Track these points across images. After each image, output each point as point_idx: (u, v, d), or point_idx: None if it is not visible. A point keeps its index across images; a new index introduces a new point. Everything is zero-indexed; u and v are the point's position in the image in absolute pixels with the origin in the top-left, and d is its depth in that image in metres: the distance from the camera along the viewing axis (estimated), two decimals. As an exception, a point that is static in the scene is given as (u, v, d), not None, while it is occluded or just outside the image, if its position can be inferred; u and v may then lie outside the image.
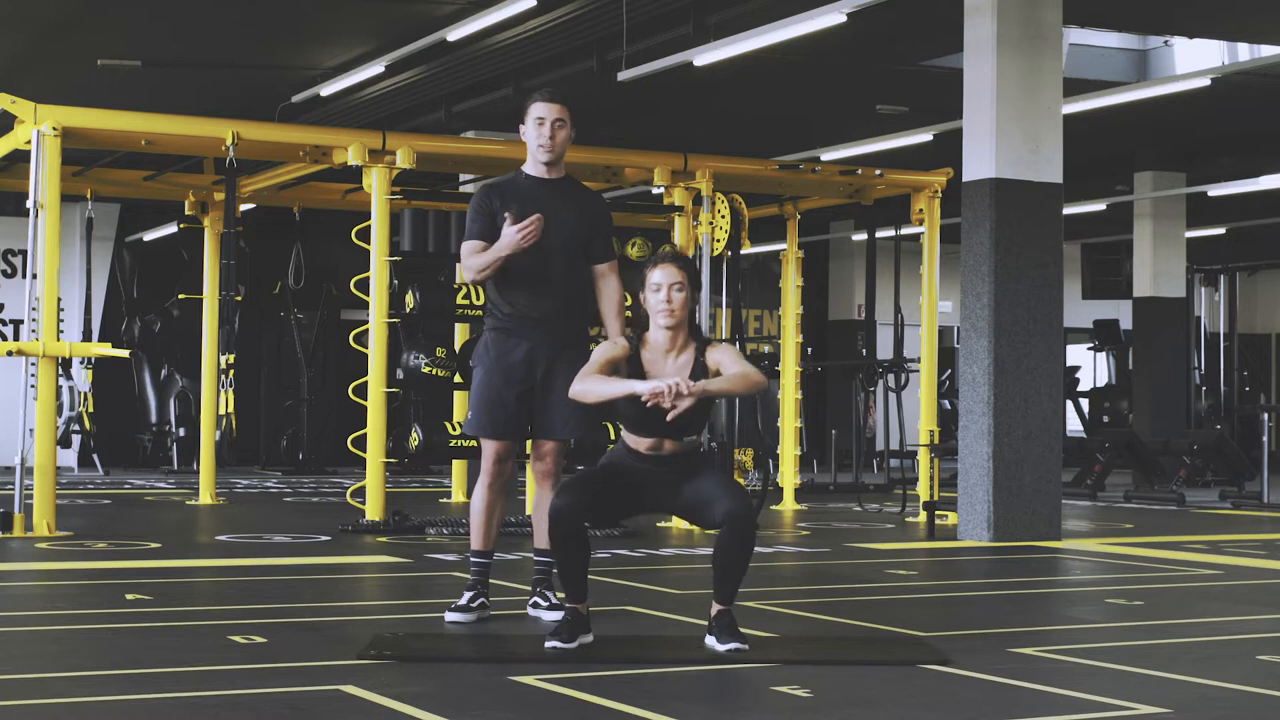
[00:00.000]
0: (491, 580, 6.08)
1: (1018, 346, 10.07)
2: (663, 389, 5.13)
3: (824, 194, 13.32)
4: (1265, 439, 14.85)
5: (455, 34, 11.92)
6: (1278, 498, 14.51)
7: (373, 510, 10.19)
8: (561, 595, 5.86)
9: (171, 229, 17.11)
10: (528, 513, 10.29)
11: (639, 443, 5.39)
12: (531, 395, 5.92)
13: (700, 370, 5.34)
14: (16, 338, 17.71)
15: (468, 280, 6.22)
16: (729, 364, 5.36)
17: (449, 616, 5.87)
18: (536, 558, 6.06)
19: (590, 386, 5.34)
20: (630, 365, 5.38)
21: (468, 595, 5.93)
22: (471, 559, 6.01)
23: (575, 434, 6.02)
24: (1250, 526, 11.94)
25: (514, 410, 5.93)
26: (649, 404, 5.16)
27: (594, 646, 5.35)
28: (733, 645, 5.17)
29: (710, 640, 5.25)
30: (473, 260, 5.97)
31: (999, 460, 9.97)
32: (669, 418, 5.20)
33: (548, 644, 5.23)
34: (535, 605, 6.02)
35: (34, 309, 9.62)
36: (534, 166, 6.09)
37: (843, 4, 9.95)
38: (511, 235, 5.83)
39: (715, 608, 5.29)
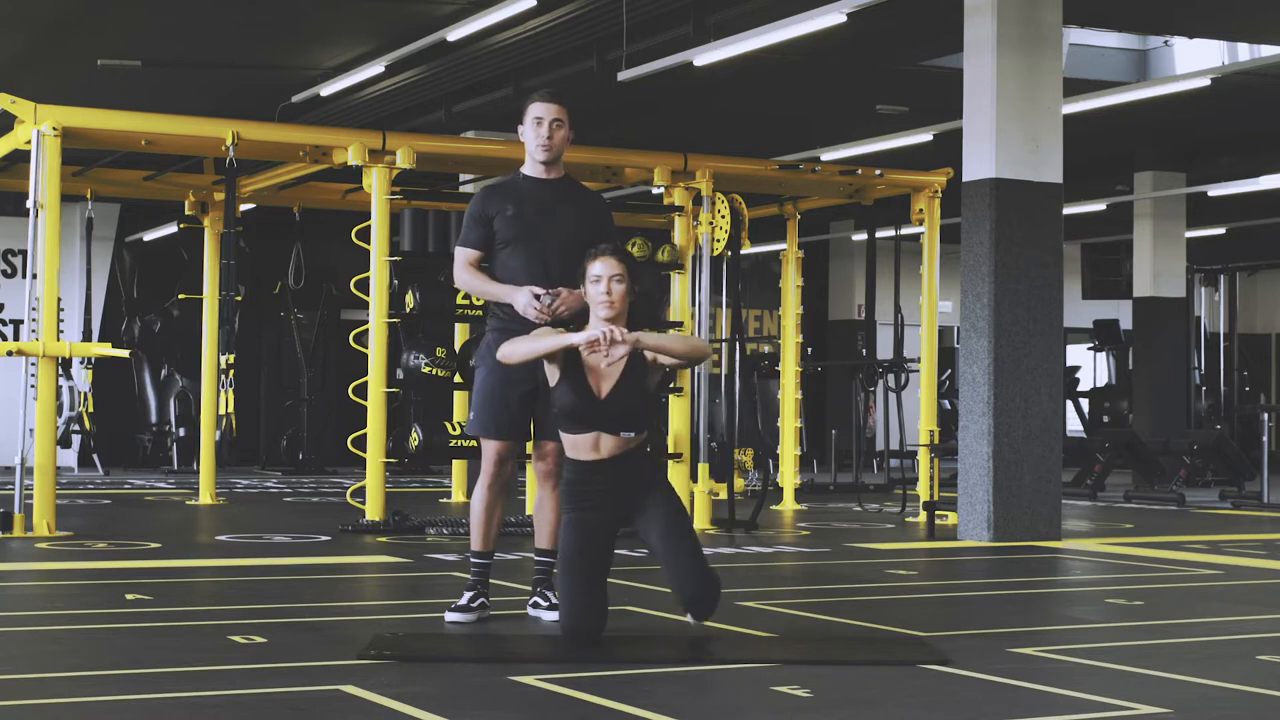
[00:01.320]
0: (491, 580, 6.08)
1: (1018, 346, 10.07)
2: (597, 335, 5.24)
3: (824, 194, 13.31)
4: (1265, 439, 14.85)
5: (455, 34, 11.92)
6: (1278, 498, 14.50)
7: (373, 510, 10.19)
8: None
9: (171, 229, 17.12)
10: (528, 513, 10.29)
11: (577, 446, 5.42)
12: (534, 396, 5.91)
13: (639, 362, 5.42)
14: (16, 338, 17.71)
15: (457, 286, 6.24)
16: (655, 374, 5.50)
17: (449, 616, 5.87)
18: (537, 558, 6.07)
19: (518, 346, 5.44)
20: (568, 356, 5.44)
21: (468, 595, 5.93)
22: (471, 559, 6.01)
23: None
24: (1250, 526, 11.94)
25: (516, 411, 5.93)
26: (587, 354, 5.29)
27: (594, 646, 5.36)
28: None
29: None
30: (469, 279, 6.03)
31: (999, 460, 9.97)
32: (605, 363, 5.32)
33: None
34: (535, 605, 6.02)
35: (34, 309, 9.62)
36: (532, 167, 6.09)
37: (843, 4, 9.95)
38: (525, 301, 5.81)
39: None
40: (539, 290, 5.83)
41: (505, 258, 5.98)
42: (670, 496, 5.48)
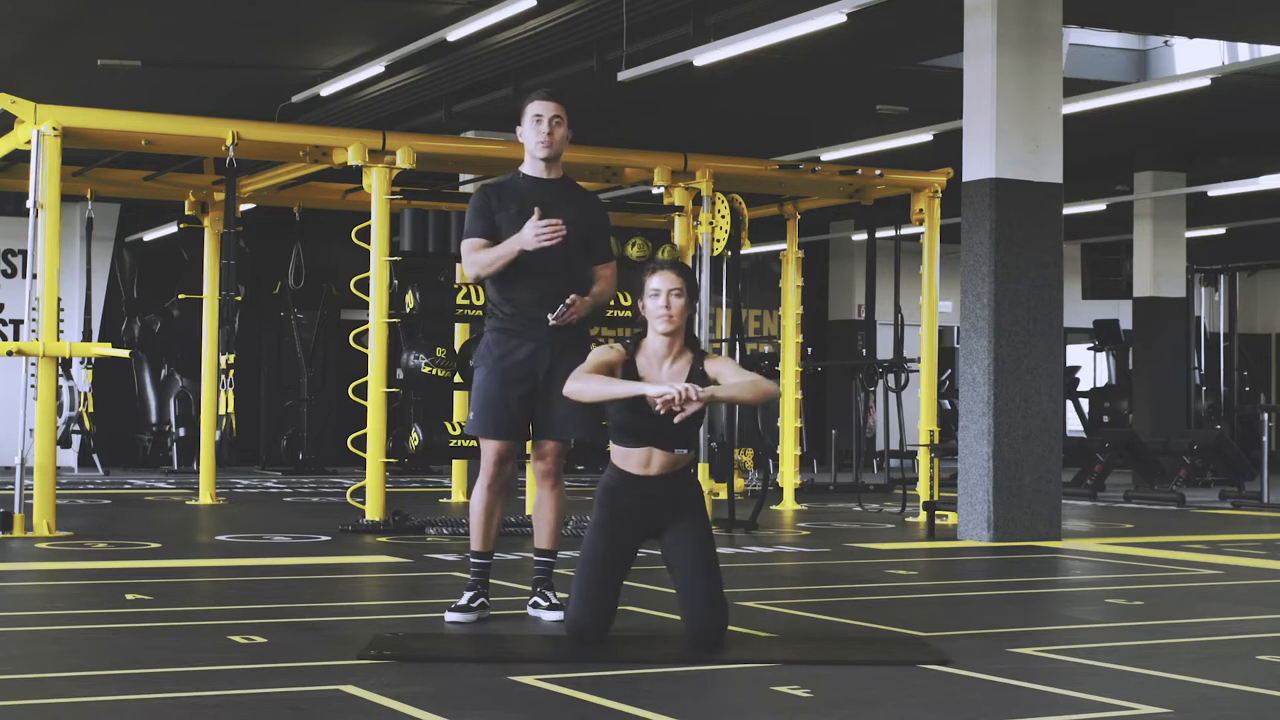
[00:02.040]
0: (491, 580, 6.08)
1: (1018, 346, 10.07)
2: (673, 394, 5.10)
3: (824, 194, 13.32)
4: (1265, 439, 14.85)
5: (455, 34, 11.92)
6: (1278, 498, 14.50)
7: (373, 510, 10.19)
8: (563, 595, 5.86)
9: (171, 229, 17.12)
10: (528, 513, 10.29)
11: (628, 458, 5.38)
12: (533, 396, 5.91)
13: (697, 379, 5.36)
14: (16, 338, 17.71)
15: (470, 277, 6.17)
16: (730, 374, 5.37)
17: (449, 616, 5.87)
18: (536, 558, 6.06)
19: (589, 385, 5.32)
20: (625, 370, 5.41)
21: (468, 595, 5.92)
22: (471, 559, 6.01)
23: (577, 434, 6.01)
24: (1250, 526, 11.94)
25: (516, 411, 5.93)
26: (660, 410, 5.14)
27: (596, 645, 5.36)
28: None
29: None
30: (478, 256, 5.95)
31: (999, 460, 9.97)
32: (676, 420, 5.18)
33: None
34: (535, 605, 6.01)
35: (34, 309, 9.62)
36: (532, 166, 6.08)
37: (843, 4, 9.95)
38: (532, 231, 5.81)
39: None
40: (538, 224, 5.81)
41: None
42: (703, 523, 5.42)
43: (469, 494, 9.50)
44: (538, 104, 6.01)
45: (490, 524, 5.97)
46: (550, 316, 5.85)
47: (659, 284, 5.40)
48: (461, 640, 5.55)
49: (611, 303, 11.07)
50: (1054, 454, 10.22)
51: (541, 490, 6.05)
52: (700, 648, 5.25)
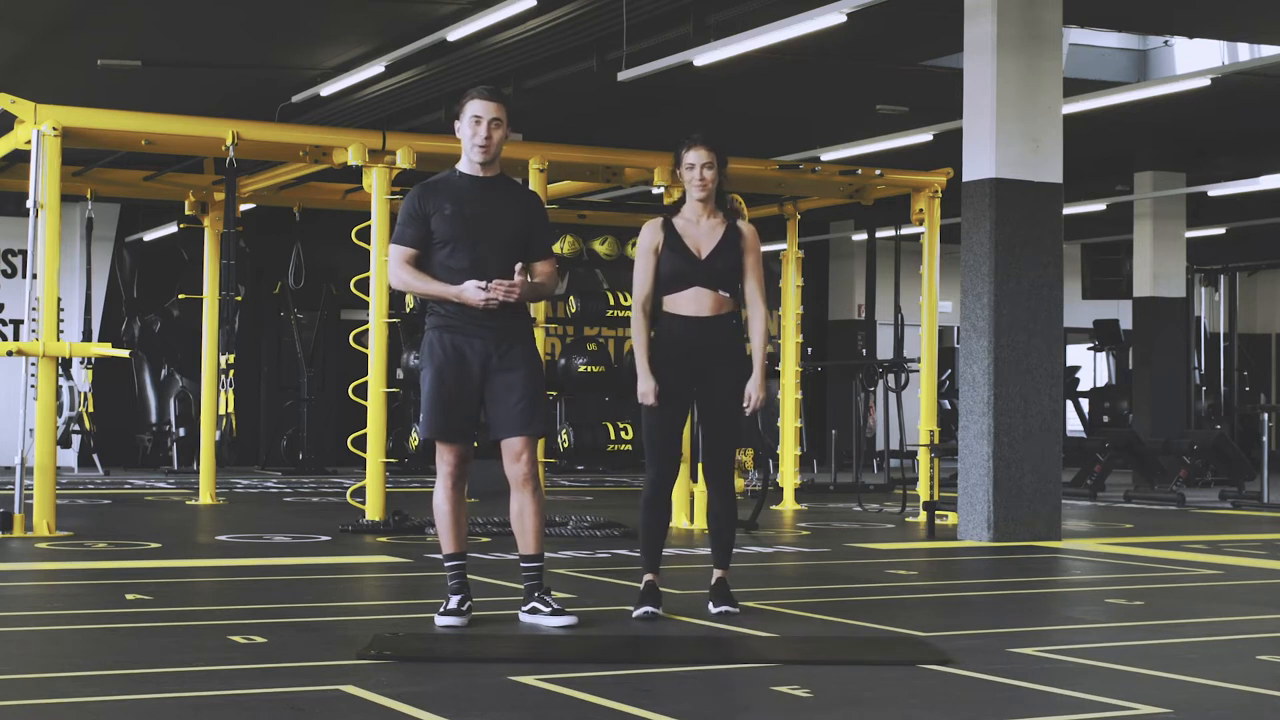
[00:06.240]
0: (494, 581, 6.07)
1: (1018, 346, 10.07)
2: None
3: (824, 194, 13.32)
4: (1265, 439, 14.85)
5: (455, 34, 11.92)
6: (1278, 498, 14.50)
7: (373, 510, 10.19)
8: (559, 595, 5.85)
9: (171, 229, 17.14)
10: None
11: (679, 303, 6.11)
12: (481, 392, 5.81)
13: (733, 234, 6.23)
14: (16, 338, 17.71)
15: (393, 285, 6.06)
16: (750, 256, 6.29)
17: (440, 621, 5.77)
18: (525, 565, 5.91)
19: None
20: (666, 233, 6.21)
21: (455, 599, 5.82)
22: (447, 563, 5.90)
23: (540, 431, 5.88)
24: (1250, 526, 11.94)
25: (468, 409, 5.83)
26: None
27: (594, 647, 5.36)
28: (723, 608, 6.05)
29: (709, 606, 6.09)
30: (409, 279, 5.89)
31: (999, 460, 9.97)
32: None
33: (638, 612, 5.95)
34: (535, 611, 5.84)
35: (34, 309, 9.63)
36: (469, 165, 5.97)
37: (843, 4, 9.96)
38: (472, 295, 5.73)
39: (714, 574, 6.24)
40: (482, 283, 5.75)
41: (444, 258, 5.85)
42: (736, 392, 6.15)
43: (467, 494, 9.48)
44: (478, 104, 5.89)
45: (459, 524, 5.89)
46: (487, 291, 5.74)
47: (693, 159, 6.30)
48: (461, 640, 5.54)
49: (612, 301, 11.12)
50: (1054, 454, 10.22)
51: (522, 497, 5.85)
52: (707, 481, 6.29)
